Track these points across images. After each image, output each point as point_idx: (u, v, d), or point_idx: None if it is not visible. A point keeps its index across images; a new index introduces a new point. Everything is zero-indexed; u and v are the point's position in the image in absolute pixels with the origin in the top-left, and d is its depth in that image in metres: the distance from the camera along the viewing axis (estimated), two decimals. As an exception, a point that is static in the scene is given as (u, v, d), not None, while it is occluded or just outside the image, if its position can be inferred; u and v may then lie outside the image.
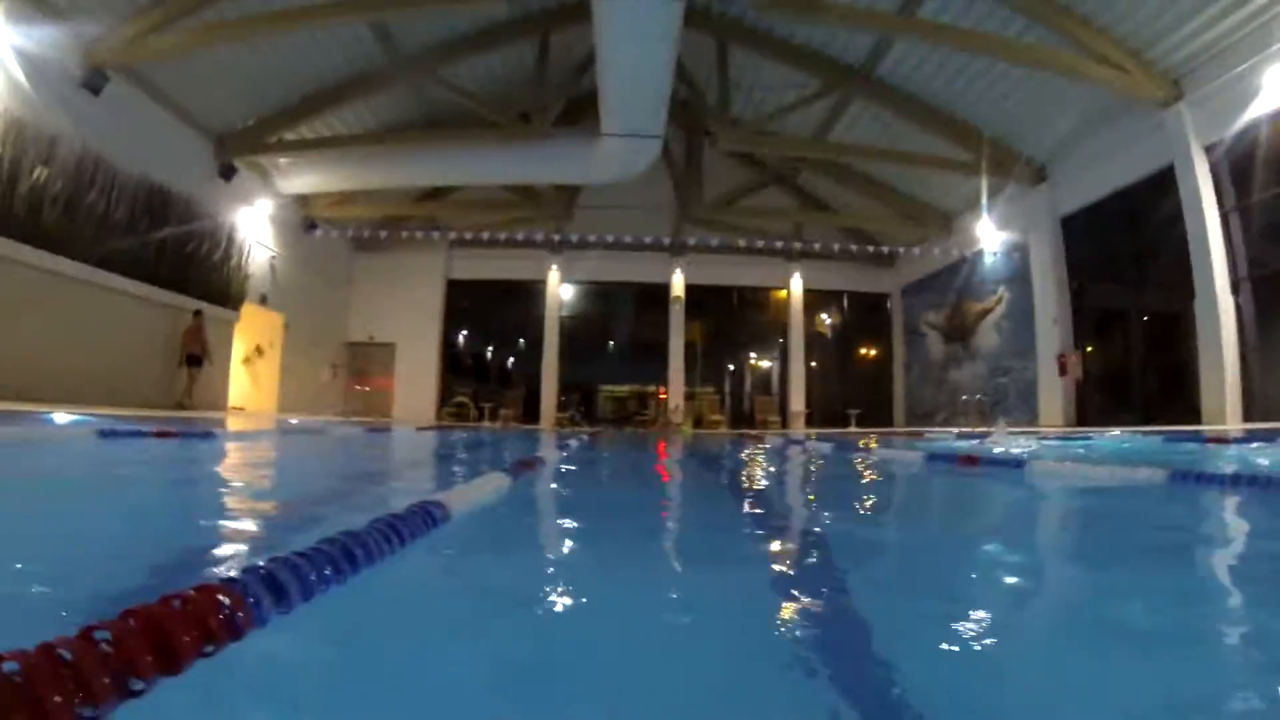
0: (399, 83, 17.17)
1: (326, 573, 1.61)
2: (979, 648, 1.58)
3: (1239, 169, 12.51)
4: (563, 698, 1.32)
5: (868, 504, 5.21)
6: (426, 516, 2.66)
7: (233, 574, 1.29)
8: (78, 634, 0.88)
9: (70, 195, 11.53)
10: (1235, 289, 12.75)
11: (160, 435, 6.78)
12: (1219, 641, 1.66)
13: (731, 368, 28.26)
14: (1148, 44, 12.89)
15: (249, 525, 3.14)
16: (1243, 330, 12.68)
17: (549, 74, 17.51)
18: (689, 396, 25.43)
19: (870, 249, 23.03)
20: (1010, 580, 2.44)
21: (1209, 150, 12.85)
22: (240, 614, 1.19)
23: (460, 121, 18.22)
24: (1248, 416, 12.41)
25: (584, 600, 2.00)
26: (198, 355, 14.32)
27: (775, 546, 3.15)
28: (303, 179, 17.82)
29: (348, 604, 1.58)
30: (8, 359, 10.36)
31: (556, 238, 23.60)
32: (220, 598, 1.19)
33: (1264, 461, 5.13)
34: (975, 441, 11.39)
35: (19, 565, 2.02)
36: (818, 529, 3.83)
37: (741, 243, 22.69)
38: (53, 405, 9.66)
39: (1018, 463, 6.10)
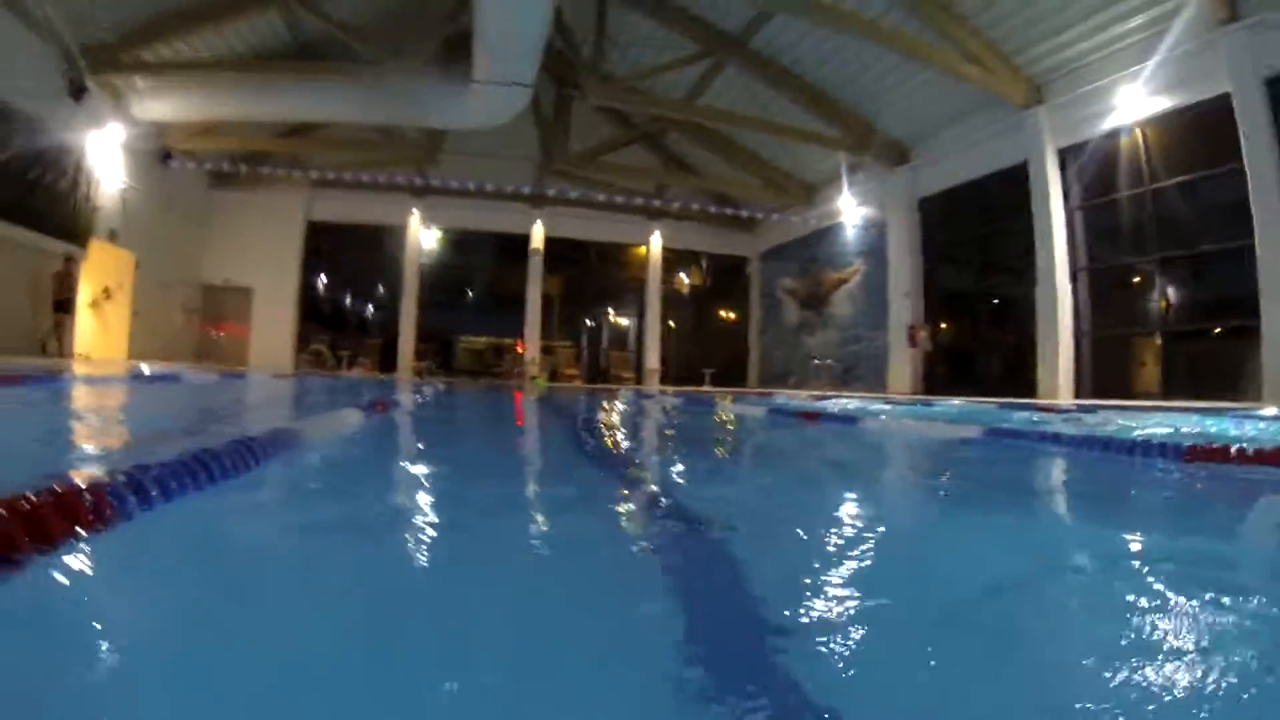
0: (271, 7, 16.03)
1: (185, 480, 1.95)
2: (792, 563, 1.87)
3: (1086, 173, 13.61)
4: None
5: (704, 447, 5.72)
6: (282, 441, 2.91)
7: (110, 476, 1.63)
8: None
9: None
10: (1074, 278, 13.92)
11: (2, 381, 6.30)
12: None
13: (590, 323, 28.44)
14: (1016, 49, 13.74)
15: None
16: (1078, 316, 13.91)
17: (426, 10, 16.83)
18: (546, 350, 25.43)
19: (731, 213, 23.53)
20: (828, 509, 2.93)
21: (1061, 153, 13.90)
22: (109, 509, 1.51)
23: (331, 55, 17.21)
24: (1078, 394, 13.70)
25: (418, 517, 2.34)
26: (67, 301, 14.04)
27: (609, 476, 3.53)
28: (161, 105, 16.25)
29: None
30: None
31: (419, 181, 22.90)
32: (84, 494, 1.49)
33: (1070, 429, 5.90)
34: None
35: None
36: (652, 463, 4.25)
37: (603, 198, 22.72)
38: None
39: (852, 419, 6.60)
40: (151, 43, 15.30)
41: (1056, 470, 4.33)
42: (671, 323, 26.77)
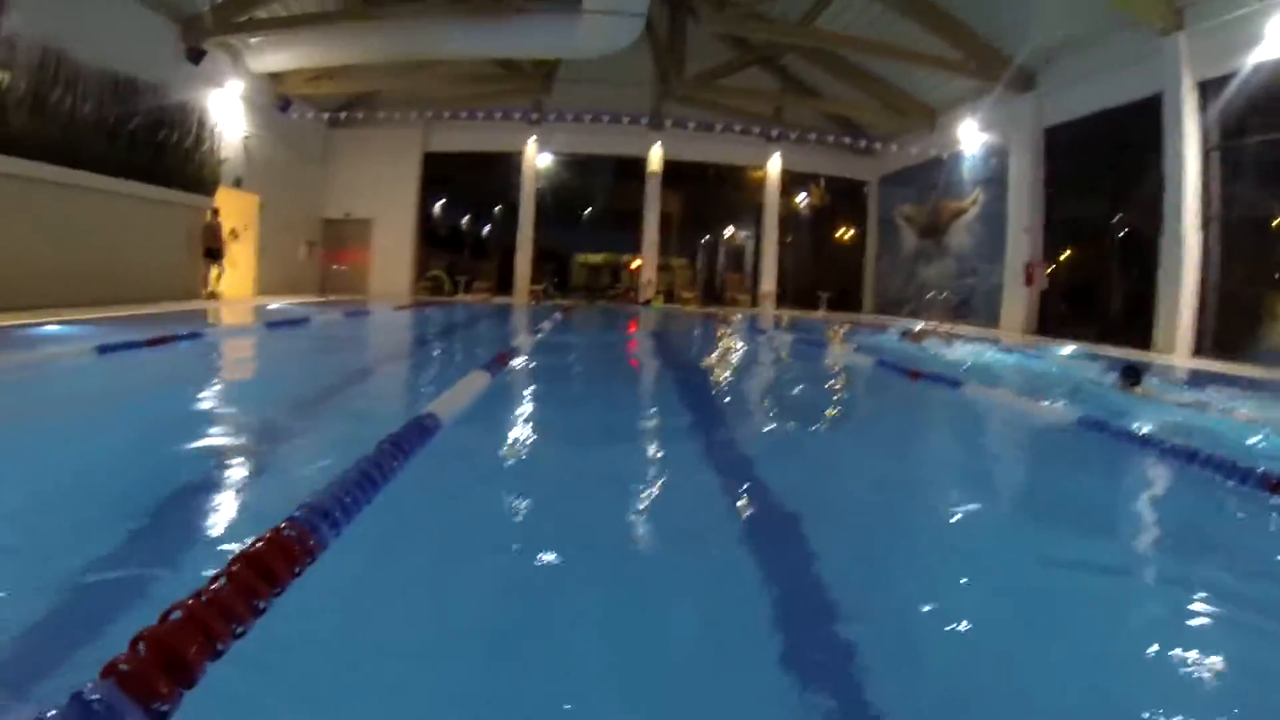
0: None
1: (360, 495, 2.19)
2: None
3: (1227, 110, 12.48)
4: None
5: (808, 407, 6.10)
6: (421, 430, 3.16)
7: (293, 513, 1.82)
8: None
9: (35, 96, 11.08)
10: (1204, 227, 12.96)
11: (152, 343, 6.97)
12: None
13: (707, 240, 28.32)
14: (1158, -34, 12.54)
15: (252, 450, 3.57)
16: (1205, 268, 12.99)
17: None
18: (663, 268, 25.60)
19: (850, 139, 22.84)
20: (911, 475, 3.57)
21: (1201, 86, 12.77)
22: (311, 542, 1.72)
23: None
24: (1197, 351, 12.91)
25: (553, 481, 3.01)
26: (217, 250, 15.73)
27: (719, 444, 3.95)
28: (275, 57, 16.96)
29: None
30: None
31: (535, 115, 23.09)
32: (288, 532, 1.71)
33: (1176, 419, 5.58)
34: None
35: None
36: (764, 431, 4.59)
37: (719, 128, 22.40)
38: (53, 312, 9.80)
39: (955, 382, 6.61)
40: (262, 2, 15.81)
41: (1128, 482, 4.11)
42: (790, 240, 26.40)
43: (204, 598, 1.33)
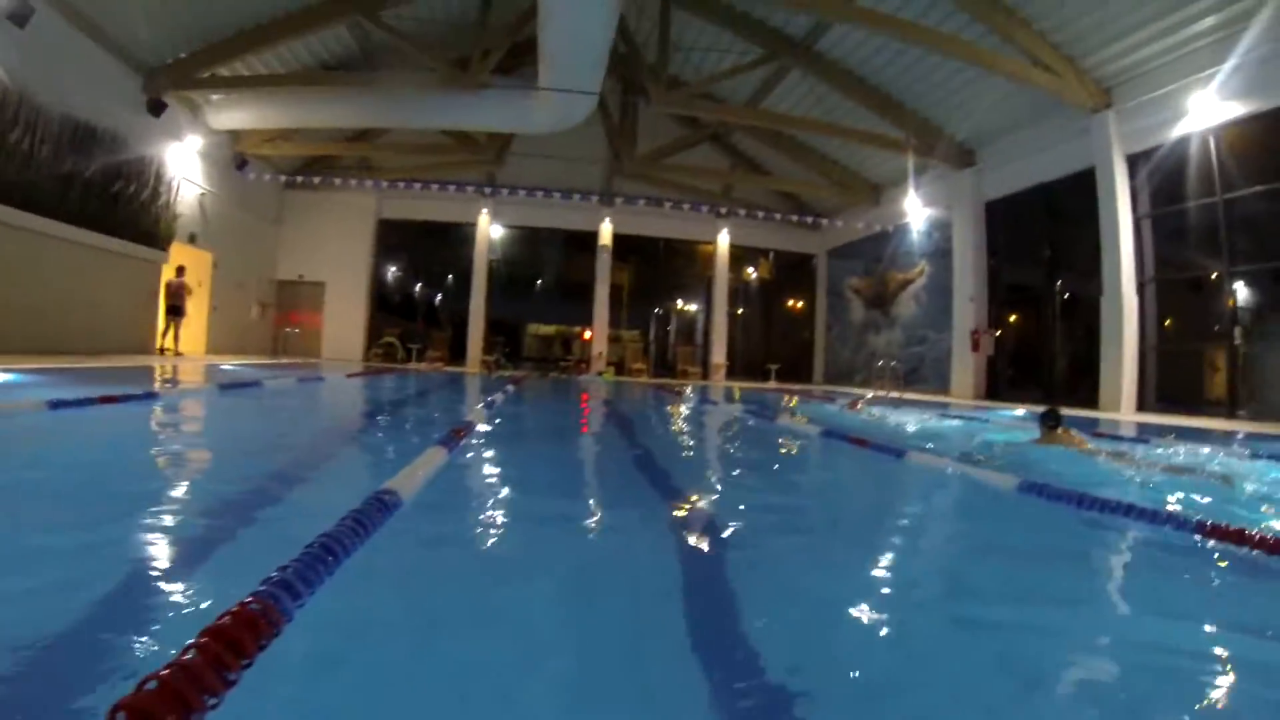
0: (339, 21, 16.55)
1: (322, 568, 2.11)
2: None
3: (1155, 180, 13.23)
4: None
5: (761, 473, 6.31)
6: (381, 506, 3.16)
7: (259, 587, 1.76)
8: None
9: (-8, 134, 10.97)
10: (1141, 290, 13.57)
11: (105, 401, 6.78)
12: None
13: (658, 312, 28.66)
14: (1083, 53, 13.39)
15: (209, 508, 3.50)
16: (1144, 328, 13.56)
17: (490, 20, 17.15)
18: (614, 339, 25.79)
19: (797, 217, 23.61)
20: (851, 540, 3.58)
21: (1130, 159, 13.52)
22: (273, 616, 1.68)
23: (398, 65, 17.69)
24: (1140, 407, 13.38)
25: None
26: (179, 308, 16.00)
27: (677, 513, 3.98)
28: (235, 115, 17.10)
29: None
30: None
31: (488, 188, 23.43)
32: (253, 606, 1.67)
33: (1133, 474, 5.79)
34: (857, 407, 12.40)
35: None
36: (714, 497, 4.61)
37: (669, 204, 23.02)
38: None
39: (899, 452, 6.73)
40: (225, 60, 15.93)
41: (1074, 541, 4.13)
42: (740, 312, 26.95)
43: (175, 668, 1.35)
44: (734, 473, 6.34)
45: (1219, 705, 1.81)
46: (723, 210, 24.36)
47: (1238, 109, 11.74)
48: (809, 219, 23.96)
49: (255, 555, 2.28)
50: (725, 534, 3.45)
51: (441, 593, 2.54)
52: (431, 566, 2.85)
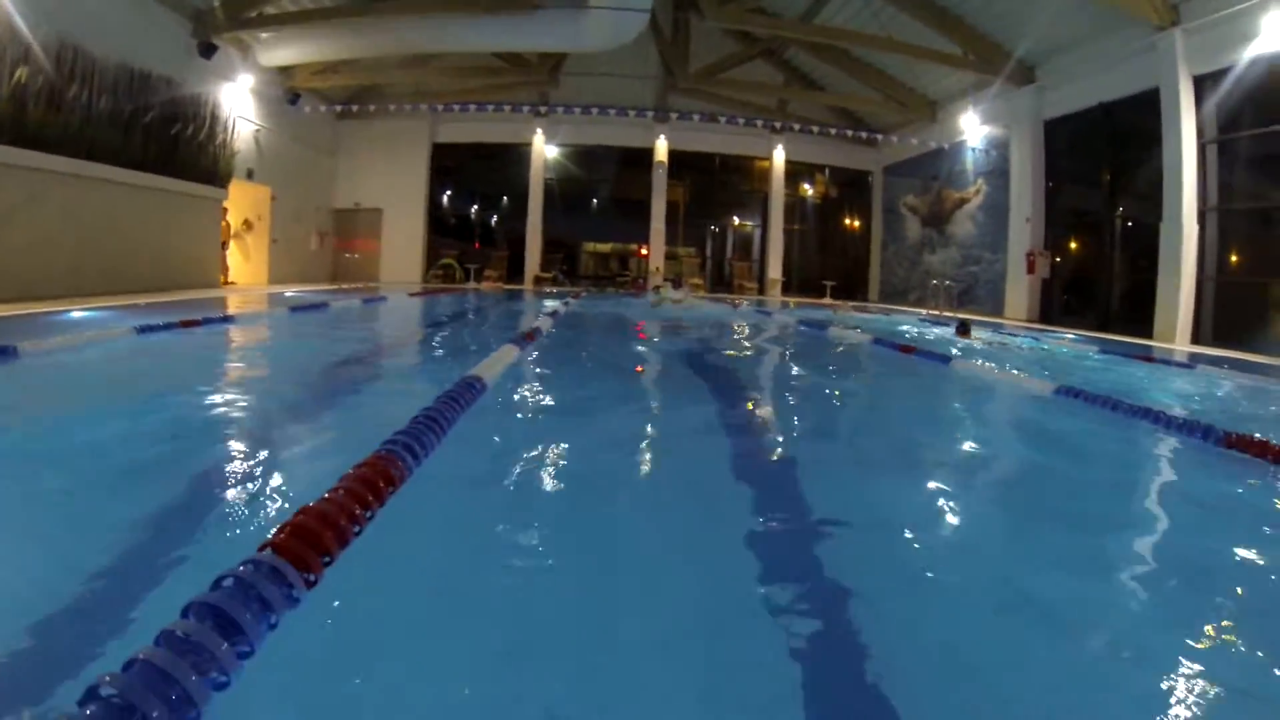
0: (385, -51, 16.48)
1: (436, 433, 2.77)
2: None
3: (1223, 103, 12.69)
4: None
5: (810, 377, 7.06)
6: (470, 389, 3.85)
7: (385, 444, 2.37)
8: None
9: (52, 91, 11.34)
10: (1202, 218, 13.17)
11: (187, 325, 7.39)
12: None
13: (714, 229, 28.53)
14: (1152, -38, 12.72)
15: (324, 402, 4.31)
16: (1203, 258, 13.22)
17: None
18: (671, 256, 25.84)
19: (852, 133, 23.11)
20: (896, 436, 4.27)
21: (1197, 80, 12.96)
22: (399, 470, 2.24)
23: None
24: (1195, 339, 13.16)
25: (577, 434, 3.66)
26: (224, 243, 16.61)
27: (722, 404, 4.46)
28: (285, 51, 17.28)
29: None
30: (15, 263, 10.59)
31: (542, 108, 23.34)
32: (385, 460, 2.23)
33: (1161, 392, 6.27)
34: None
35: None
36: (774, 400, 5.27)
37: (723, 120, 22.69)
38: (76, 301, 10.17)
39: (945, 358, 7.24)
40: (272, -1, 16.05)
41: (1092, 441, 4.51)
42: (797, 229, 26.69)
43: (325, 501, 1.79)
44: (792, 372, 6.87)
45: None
46: (777, 126, 23.92)
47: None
48: (864, 135, 23.46)
49: (369, 431, 2.70)
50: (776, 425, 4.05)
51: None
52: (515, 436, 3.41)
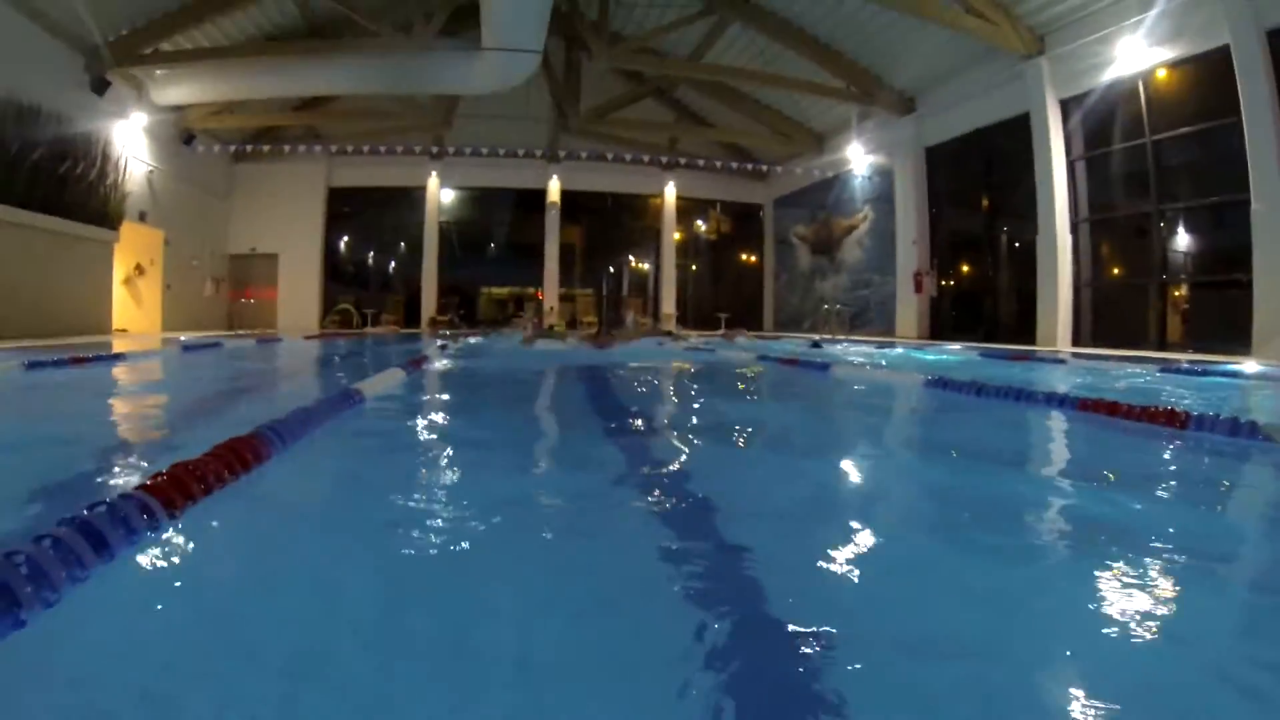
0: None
1: (295, 430, 3.02)
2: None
3: (1087, 123, 13.87)
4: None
5: (701, 386, 7.56)
6: (347, 400, 4.17)
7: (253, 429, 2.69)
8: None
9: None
10: (1074, 229, 14.27)
11: (77, 362, 7.06)
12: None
13: (611, 270, 28.88)
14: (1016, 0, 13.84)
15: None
16: (1078, 266, 14.29)
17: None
18: (566, 298, 26.02)
19: (739, 165, 24.05)
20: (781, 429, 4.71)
21: (1063, 103, 14.13)
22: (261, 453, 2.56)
23: (342, 33, 17.48)
24: (1076, 342, 14.16)
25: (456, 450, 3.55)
26: None
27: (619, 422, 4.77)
28: (179, 90, 16.72)
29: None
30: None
31: (436, 146, 23.37)
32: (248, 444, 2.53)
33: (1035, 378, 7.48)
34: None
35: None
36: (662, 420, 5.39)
37: (610, 156, 23.14)
38: None
39: (824, 365, 8.20)
40: (168, 34, 15.62)
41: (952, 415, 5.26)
42: (694, 266, 27.44)
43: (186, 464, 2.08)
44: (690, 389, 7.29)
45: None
46: (666, 162, 24.53)
47: (1164, 54, 12.31)
48: (753, 168, 24.36)
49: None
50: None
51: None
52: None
